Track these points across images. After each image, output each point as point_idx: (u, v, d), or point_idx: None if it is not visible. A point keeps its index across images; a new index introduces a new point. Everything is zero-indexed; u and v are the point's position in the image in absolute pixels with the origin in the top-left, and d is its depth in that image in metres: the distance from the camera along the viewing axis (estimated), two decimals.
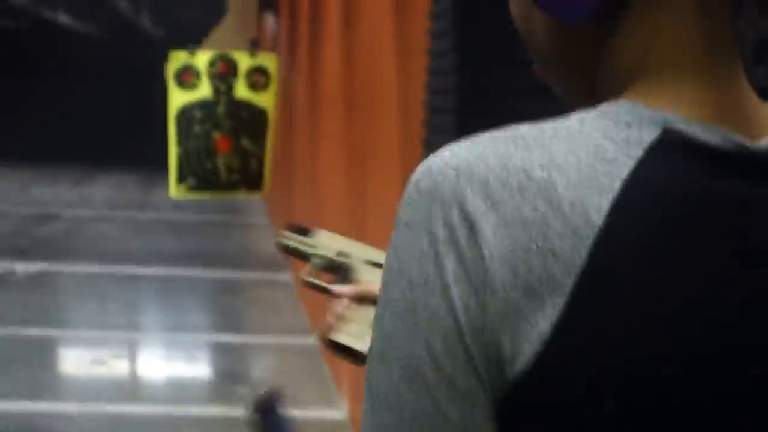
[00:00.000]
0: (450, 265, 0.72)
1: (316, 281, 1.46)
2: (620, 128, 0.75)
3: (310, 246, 1.49)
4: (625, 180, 0.73)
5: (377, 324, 0.76)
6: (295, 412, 5.37)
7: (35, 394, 5.46)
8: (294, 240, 1.50)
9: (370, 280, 1.41)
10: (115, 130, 20.41)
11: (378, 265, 1.42)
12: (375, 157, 4.60)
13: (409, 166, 3.84)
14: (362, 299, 1.39)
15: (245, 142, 4.62)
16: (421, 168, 0.76)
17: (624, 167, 0.73)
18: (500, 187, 0.72)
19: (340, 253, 1.46)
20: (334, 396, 5.63)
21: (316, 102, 7.23)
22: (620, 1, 0.79)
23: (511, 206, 0.71)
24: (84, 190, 15.34)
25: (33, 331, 6.73)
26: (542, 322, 0.71)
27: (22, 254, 9.39)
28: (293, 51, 9.12)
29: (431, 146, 3.38)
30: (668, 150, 0.74)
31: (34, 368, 5.94)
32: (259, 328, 7.12)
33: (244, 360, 6.53)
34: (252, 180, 4.71)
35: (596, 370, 0.71)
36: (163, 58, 4.69)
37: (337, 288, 1.42)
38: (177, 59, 4.50)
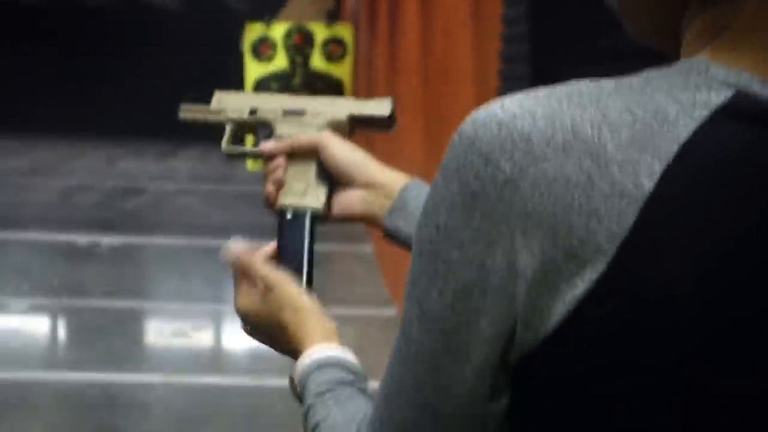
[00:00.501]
0: (476, 219, 0.71)
1: (238, 148, 1.31)
2: (689, 89, 0.72)
3: (217, 112, 1.33)
4: (683, 143, 0.69)
5: (413, 254, 0.76)
6: (373, 383, 5.35)
7: (118, 365, 5.53)
8: (196, 111, 1.35)
9: (293, 132, 1.26)
10: (199, 104, 20.58)
11: (296, 113, 1.26)
12: (452, 127, 4.55)
13: None
14: (292, 154, 1.26)
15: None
16: (470, 117, 0.75)
17: (685, 130, 0.70)
18: (544, 144, 0.70)
19: (253, 110, 1.30)
20: None
21: (395, 73, 7.19)
22: None
23: (554, 164, 0.69)
24: (168, 164, 15.52)
25: (117, 303, 6.82)
26: (581, 284, 0.68)
27: (107, 227, 9.52)
28: (373, 23, 9.09)
29: None
30: (737, 113, 0.70)
31: (118, 339, 6.02)
32: (340, 300, 7.12)
33: None
34: None
35: (630, 337, 0.69)
36: (241, 31, 4.68)
37: (263, 147, 1.27)
38: (253, 31, 4.49)
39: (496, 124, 0.72)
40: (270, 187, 1.28)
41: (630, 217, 0.68)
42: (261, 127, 1.29)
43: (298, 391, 1.10)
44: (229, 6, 18.73)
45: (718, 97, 0.71)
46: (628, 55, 1.98)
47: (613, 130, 0.69)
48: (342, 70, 4.61)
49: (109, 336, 6.04)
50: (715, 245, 0.69)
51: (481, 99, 3.91)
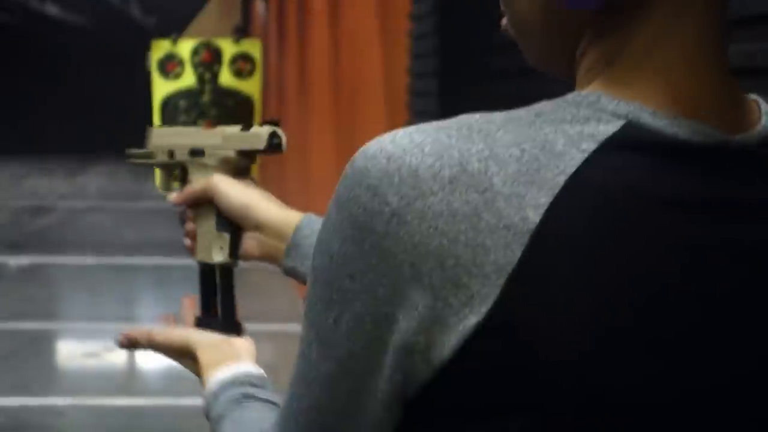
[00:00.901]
0: (365, 251, 0.71)
1: (166, 192, 1.27)
2: (577, 121, 0.72)
3: (150, 155, 1.28)
4: (569, 176, 0.69)
5: (308, 281, 0.77)
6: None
7: (27, 389, 5.42)
8: (137, 156, 1.30)
9: (199, 176, 1.21)
10: (108, 120, 20.37)
11: (199, 153, 1.22)
12: (363, 140, 4.56)
13: None
14: (195, 204, 1.22)
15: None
16: (361, 149, 0.74)
17: (572, 162, 0.70)
18: (431, 178, 0.70)
19: (171, 152, 1.25)
20: None
21: (305, 87, 7.19)
22: None
23: (440, 197, 0.69)
24: (77, 181, 15.30)
25: (26, 325, 6.69)
26: (471, 317, 0.68)
27: (15, 247, 9.36)
28: (282, 38, 9.08)
29: (414, 120, 3.34)
30: (625, 144, 0.71)
31: (27, 362, 5.90)
32: (255, 316, 7.07)
33: None
34: None
35: (515, 373, 0.69)
36: (147, 48, 4.63)
37: (170, 199, 1.24)
38: (159, 48, 4.44)
39: (385, 157, 0.72)
40: (187, 242, 1.27)
41: (517, 249, 0.68)
42: (180, 171, 1.26)
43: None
44: (136, 20, 18.57)
45: (607, 128, 0.71)
46: (529, 72, 2.00)
47: (501, 164, 0.70)
48: (251, 86, 4.58)
49: (17, 359, 5.92)
50: (602, 278, 0.69)
51: (391, 112, 3.93)
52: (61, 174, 16.09)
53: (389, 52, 4.05)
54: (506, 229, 0.68)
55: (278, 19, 9.69)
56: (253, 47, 4.56)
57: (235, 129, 1.20)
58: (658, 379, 0.71)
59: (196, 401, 4.51)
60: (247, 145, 1.19)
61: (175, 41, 4.48)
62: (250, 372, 1.15)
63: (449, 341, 0.69)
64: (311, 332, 0.76)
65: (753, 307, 0.73)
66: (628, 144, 0.71)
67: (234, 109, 4.61)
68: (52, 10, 17.44)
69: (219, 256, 1.23)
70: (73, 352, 6.34)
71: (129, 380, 5.83)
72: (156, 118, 4.53)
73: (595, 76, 0.76)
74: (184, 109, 4.53)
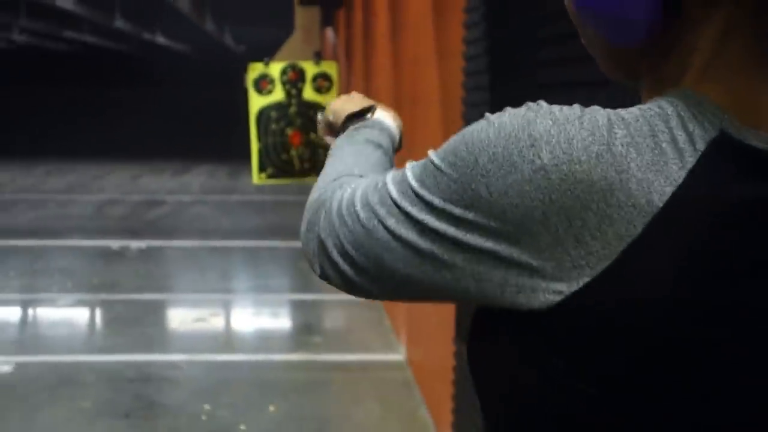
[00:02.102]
0: (507, 184, 0.70)
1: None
2: (690, 120, 0.70)
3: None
4: (689, 172, 0.68)
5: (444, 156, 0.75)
6: (362, 356, 5.41)
7: (149, 348, 5.49)
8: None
9: None
10: (207, 130, 20.51)
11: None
12: (421, 149, 4.55)
13: None
14: None
15: (314, 136, 4.57)
16: (536, 104, 0.73)
17: (690, 159, 0.69)
18: (582, 149, 0.69)
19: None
20: (394, 342, 5.61)
21: (370, 98, 7.18)
22: (670, 18, 0.73)
23: (585, 168, 0.68)
24: (183, 180, 15.43)
25: (146, 296, 6.77)
26: (587, 268, 0.67)
27: (134, 233, 9.47)
28: (350, 59, 9.08)
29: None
30: (723, 152, 0.69)
31: (148, 326, 5.98)
32: (329, 288, 7.10)
33: (317, 314, 6.53)
34: (321, 167, 4.66)
35: (615, 327, 0.67)
36: (244, 70, 4.66)
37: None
38: (255, 70, 4.45)
39: (551, 119, 0.70)
40: None
41: (638, 225, 0.67)
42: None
43: (336, 124, 1.10)
44: (230, 48, 18.67)
45: (708, 133, 0.70)
46: (570, 84, 1.99)
47: (639, 152, 0.69)
48: (329, 100, 4.58)
49: (140, 324, 6.00)
50: (706, 261, 0.67)
51: (448, 122, 3.91)
52: (169, 173, 16.22)
53: (444, 71, 4.03)
54: (633, 207, 0.67)
55: (346, 43, 9.69)
56: (330, 68, 4.55)
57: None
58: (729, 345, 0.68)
59: (282, 357, 4.52)
60: None
61: (267, 64, 4.49)
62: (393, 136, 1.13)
63: (560, 286, 0.68)
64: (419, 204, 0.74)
65: None
66: (725, 151, 0.69)
67: (315, 118, 4.62)
68: (161, 39, 17.57)
69: None
70: (184, 317, 6.40)
71: (228, 340, 5.89)
72: (252, 125, 4.55)
73: (668, 85, 0.75)
74: (275, 119, 4.54)
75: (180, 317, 6.47)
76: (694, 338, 0.67)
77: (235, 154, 15.32)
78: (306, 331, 5.96)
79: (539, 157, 0.69)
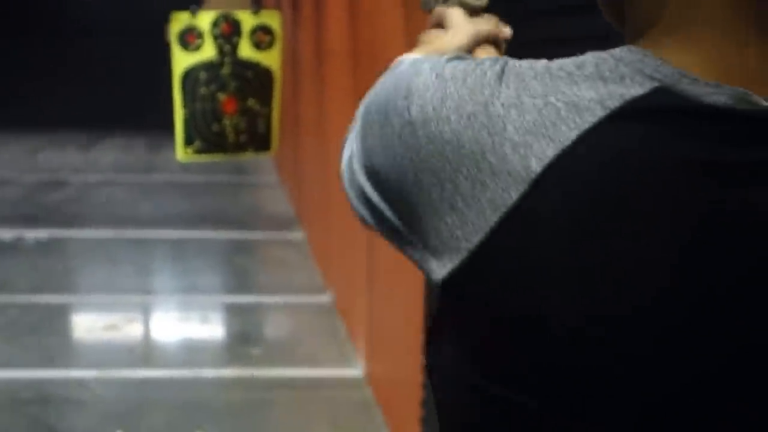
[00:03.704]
0: (385, 134, 0.80)
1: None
2: (611, 80, 0.73)
3: None
4: (584, 131, 0.71)
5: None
6: (311, 371, 5.43)
7: (50, 362, 5.47)
8: None
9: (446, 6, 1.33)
10: (120, 94, 20.35)
11: None
12: None
13: None
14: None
15: (252, 103, 4.58)
16: (425, 57, 0.82)
17: (590, 119, 0.71)
18: (454, 108, 0.74)
19: None
20: (351, 355, 5.63)
21: (322, 58, 7.18)
22: None
23: (454, 128, 0.74)
24: (91, 155, 15.32)
25: (44, 298, 6.73)
26: (462, 240, 0.73)
27: (31, 221, 9.39)
28: (296, 7, 9.05)
29: None
30: (649, 108, 0.71)
31: (47, 335, 5.95)
32: (272, 288, 7.11)
33: (257, 320, 6.54)
34: (260, 140, 4.67)
35: (491, 311, 0.72)
36: (166, 16, 4.64)
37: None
38: (179, 21, 4.44)
39: (434, 74, 0.77)
40: None
41: (513, 194, 0.71)
42: None
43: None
44: None
45: (637, 90, 0.72)
46: (571, 40, 2.01)
47: (520, 112, 0.72)
48: (271, 58, 4.58)
49: (38, 333, 5.97)
50: (593, 234, 0.70)
51: None
52: (74, 147, 16.09)
53: (410, 20, 4.04)
54: (507, 174, 0.71)
55: None
56: (272, 19, 4.55)
57: None
58: (632, 330, 0.70)
59: (213, 372, 4.53)
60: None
61: (194, 13, 4.48)
62: None
63: (445, 261, 0.74)
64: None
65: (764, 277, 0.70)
66: (652, 107, 0.71)
67: (254, 81, 4.62)
68: None
69: None
70: (93, 324, 6.38)
71: (147, 352, 5.88)
72: (176, 88, 4.54)
73: (639, 35, 0.77)
74: (204, 81, 4.54)
75: (87, 324, 6.44)
76: (590, 315, 0.69)
77: (155, 122, 15.21)
78: (243, 342, 5.96)
79: (408, 111, 0.77)
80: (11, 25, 20.98)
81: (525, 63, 0.76)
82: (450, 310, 0.75)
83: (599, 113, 0.71)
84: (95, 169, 13.54)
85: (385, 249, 4.55)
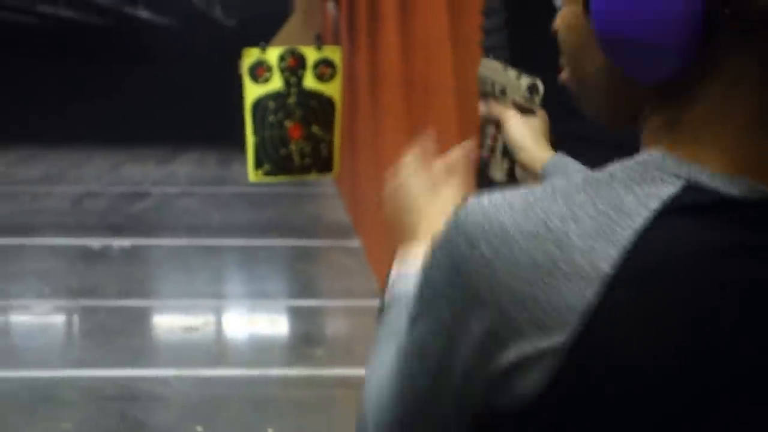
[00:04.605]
0: (461, 286, 0.76)
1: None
2: (644, 182, 0.75)
3: (481, 80, 1.39)
4: (637, 232, 0.72)
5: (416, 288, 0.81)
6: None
7: (135, 362, 5.52)
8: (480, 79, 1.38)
9: (502, 105, 1.31)
10: (194, 112, 20.53)
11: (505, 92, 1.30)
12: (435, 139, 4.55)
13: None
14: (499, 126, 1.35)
15: (315, 129, 4.59)
16: (465, 204, 0.79)
17: (639, 220, 0.73)
18: (518, 232, 0.74)
19: (491, 83, 1.36)
20: None
21: (376, 82, 7.19)
22: (701, 68, 0.75)
23: (524, 248, 0.74)
24: (169, 168, 15.45)
25: (130, 302, 6.80)
26: (549, 353, 0.72)
27: (116, 230, 9.49)
28: (353, 37, 9.08)
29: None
30: (684, 204, 0.73)
31: (132, 337, 6.00)
32: (332, 292, 7.13)
33: (319, 323, 6.55)
34: (323, 163, 4.69)
35: (593, 400, 0.71)
36: (235, 45, 4.67)
37: (480, 110, 1.38)
38: (250, 56, 4.48)
39: (480, 212, 0.76)
40: (483, 153, 1.41)
41: (589, 294, 0.71)
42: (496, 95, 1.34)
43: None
44: (219, 22, 18.66)
45: (669, 189, 0.74)
46: None
47: (578, 222, 0.73)
48: (332, 89, 4.60)
49: (124, 334, 6.03)
50: (665, 321, 0.71)
51: (464, 113, 3.92)
52: (153, 161, 16.25)
53: (460, 47, 4.03)
54: (580, 278, 0.72)
55: (348, 18, 9.69)
56: (333, 54, 4.57)
57: (515, 76, 1.25)
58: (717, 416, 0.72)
59: (280, 372, 4.52)
60: (518, 96, 1.24)
61: (263, 49, 4.51)
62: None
63: (530, 375, 0.73)
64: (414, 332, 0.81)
65: None
66: (687, 203, 0.73)
67: (317, 109, 4.64)
68: (143, 13, 17.58)
69: (499, 175, 1.30)
70: (172, 326, 6.43)
71: (221, 352, 5.91)
72: (247, 117, 4.57)
73: (660, 138, 0.78)
74: (272, 110, 4.56)
75: (168, 326, 6.49)
76: (689, 397, 0.71)
77: (227, 138, 15.32)
78: (307, 343, 5.98)
79: (480, 252, 0.75)
80: (97, 51, 21.24)
81: (560, 181, 0.77)
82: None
83: (645, 213, 0.73)
84: (173, 182, 13.66)
85: None
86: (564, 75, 0.87)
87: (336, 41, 10.30)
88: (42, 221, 10.01)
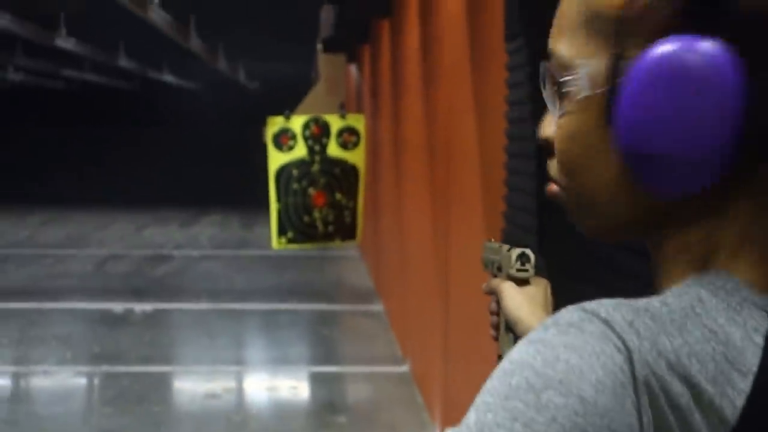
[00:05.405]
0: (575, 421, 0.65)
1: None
2: (736, 311, 0.70)
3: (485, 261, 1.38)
4: (761, 360, 0.69)
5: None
6: None
7: (156, 430, 5.48)
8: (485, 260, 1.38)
9: (499, 280, 1.28)
10: (217, 175, 20.67)
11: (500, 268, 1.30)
12: (458, 208, 4.56)
13: (490, 213, 3.80)
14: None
15: (339, 197, 4.62)
16: (587, 311, 0.69)
17: (753, 359, 0.69)
18: (664, 366, 0.67)
19: (492, 263, 1.34)
20: (427, 422, 5.57)
21: (399, 149, 7.21)
22: (731, 181, 0.72)
23: (667, 384, 0.67)
24: (192, 231, 15.51)
25: (152, 368, 6.78)
26: None
27: (139, 294, 9.51)
28: (377, 105, 9.14)
29: (512, 196, 3.33)
30: None
31: (154, 404, 5.98)
32: (355, 358, 7.09)
33: (341, 389, 6.51)
34: (346, 230, 4.71)
35: None
36: (258, 108, 4.72)
37: (483, 287, 1.34)
38: (274, 124, 4.52)
39: (621, 344, 0.67)
40: (491, 331, 1.34)
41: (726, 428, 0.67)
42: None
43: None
44: (242, 86, 18.86)
45: (760, 321, 0.70)
46: None
47: (701, 362, 0.68)
48: (356, 156, 4.64)
49: (146, 401, 6.00)
50: None
51: (488, 181, 3.92)
52: (176, 224, 16.32)
53: (483, 122, 4.04)
54: (714, 423, 0.67)
55: (371, 83, 9.76)
56: (357, 122, 4.61)
57: (506, 250, 1.25)
58: None
59: None
60: (511, 270, 1.24)
61: (288, 117, 4.55)
62: None
63: None
64: None
65: None
66: None
67: (341, 177, 4.67)
68: (168, 77, 17.79)
69: (507, 351, 1.28)
70: (194, 393, 6.40)
71: (244, 420, 5.87)
72: (271, 184, 4.60)
73: (697, 261, 0.74)
74: (296, 178, 4.60)
75: (190, 392, 6.46)
76: None
77: (249, 201, 15.43)
78: (329, 409, 5.93)
79: (581, 392, 0.65)
80: (122, 114, 21.48)
81: (657, 304, 0.70)
82: None
83: (758, 339, 0.69)
84: (195, 245, 13.70)
85: (460, 320, 4.52)
86: (554, 188, 0.80)
87: (359, 107, 10.38)
88: (64, 285, 10.05)
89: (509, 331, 1.25)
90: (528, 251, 1.25)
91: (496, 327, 1.29)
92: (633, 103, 0.71)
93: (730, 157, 0.70)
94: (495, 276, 1.31)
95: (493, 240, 1.34)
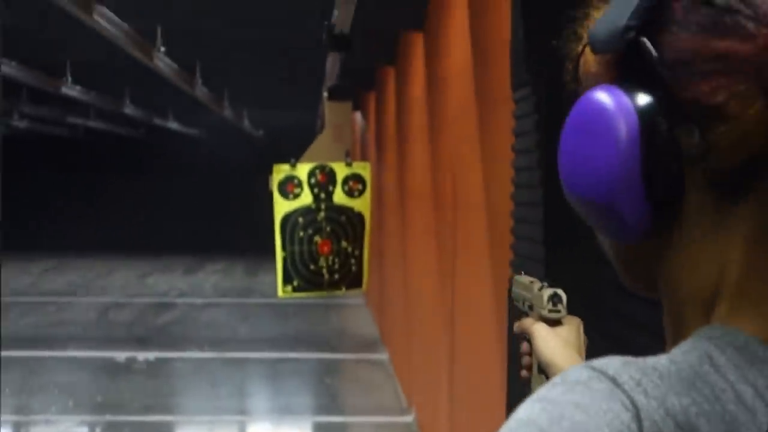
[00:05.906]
0: None
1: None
2: (744, 368, 0.69)
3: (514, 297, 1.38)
4: None
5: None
6: None
7: None
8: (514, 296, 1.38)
9: (532, 320, 1.29)
10: (220, 222, 20.69)
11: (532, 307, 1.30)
12: (464, 258, 4.55)
13: (497, 264, 3.79)
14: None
15: (345, 244, 4.62)
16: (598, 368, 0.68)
17: (763, 417, 0.68)
18: (672, 425, 0.66)
19: (522, 299, 1.35)
20: None
21: (405, 197, 7.23)
22: (669, 219, 0.71)
23: None
24: (195, 278, 15.50)
25: (154, 418, 6.74)
26: None
27: (142, 343, 9.48)
28: (382, 153, 9.17)
29: (519, 244, 3.33)
30: None
31: None
32: (359, 408, 7.05)
33: None
34: (352, 278, 4.70)
35: None
36: (262, 155, 4.74)
37: (515, 326, 1.34)
38: (280, 172, 4.53)
39: (628, 399, 0.67)
40: (523, 372, 1.33)
41: None
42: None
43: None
44: (246, 133, 18.94)
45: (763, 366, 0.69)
46: None
47: (711, 423, 0.67)
48: (362, 204, 4.65)
49: None
50: None
51: (494, 231, 3.91)
52: (180, 271, 16.31)
53: (490, 165, 4.05)
54: None
55: (377, 136, 9.81)
56: (363, 170, 4.62)
57: (538, 288, 1.25)
58: None
59: None
60: (543, 310, 1.24)
61: (293, 165, 4.57)
62: None
63: None
64: None
65: None
66: None
67: (346, 225, 4.67)
68: (173, 124, 17.88)
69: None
70: None
71: None
72: (277, 232, 4.60)
73: (701, 310, 0.73)
74: (302, 226, 4.60)
75: None
76: None
77: (253, 248, 15.43)
78: None
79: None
80: (126, 162, 21.56)
81: (665, 362, 0.69)
82: None
83: (764, 409, 0.68)
84: (199, 293, 13.68)
85: (466, 369, 4.49)
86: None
87: (364, 155, 10.41)
88: (67, 333, 10.02)
89: (542, 373, 1.24)
90: (560, 291, 1.25)
91: (529, 368, 1.28)
92: (560, 150, 0.75)
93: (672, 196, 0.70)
94: (525, 314, 1.30)
95: (523, 273, 1.33)
